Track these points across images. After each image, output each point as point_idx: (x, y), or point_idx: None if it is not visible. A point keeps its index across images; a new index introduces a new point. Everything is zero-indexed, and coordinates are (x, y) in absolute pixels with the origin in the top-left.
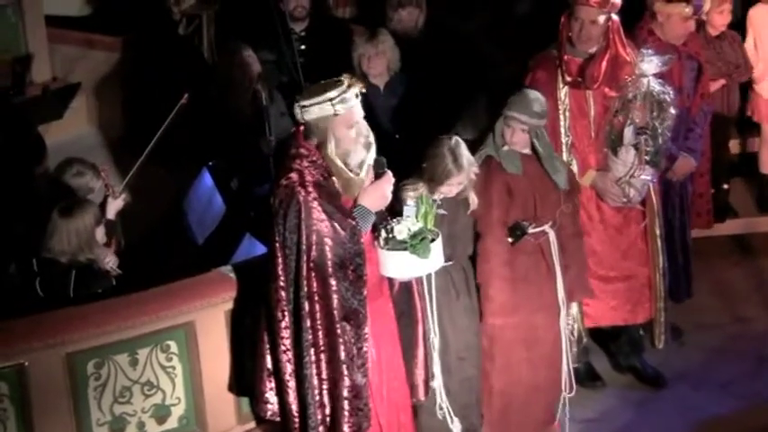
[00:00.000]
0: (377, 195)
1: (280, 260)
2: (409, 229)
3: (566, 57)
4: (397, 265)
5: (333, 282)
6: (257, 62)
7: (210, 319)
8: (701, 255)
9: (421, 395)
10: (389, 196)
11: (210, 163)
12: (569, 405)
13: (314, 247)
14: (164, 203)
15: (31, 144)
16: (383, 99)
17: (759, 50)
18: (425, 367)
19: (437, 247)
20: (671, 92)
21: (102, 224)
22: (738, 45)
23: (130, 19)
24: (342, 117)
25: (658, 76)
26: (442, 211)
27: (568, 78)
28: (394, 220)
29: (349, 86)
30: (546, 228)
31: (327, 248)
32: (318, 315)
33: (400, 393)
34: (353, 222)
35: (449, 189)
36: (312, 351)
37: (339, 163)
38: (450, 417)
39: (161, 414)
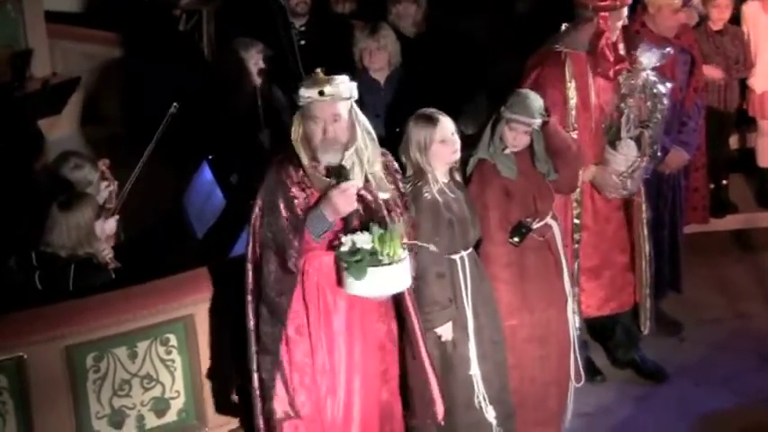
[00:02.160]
0: (330, 204)
1: None
2: (354, 245)
3: (608, 53)
4: (340, 277)
5: (265, 257)
6: (261, 57)
7: (210, 313)
8: (702, 250)
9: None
10: (343, 208)
11: (210, 157)
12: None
13: (261, 218)
14: (163, 197)
15: (31, 138)
16: (384, 93)
17: (752, 46)
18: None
19: (380, 275)
20: (667, 84)
21: (102, 218)
22: (740, 41)
23: (130, 15)
24: (304, 108)
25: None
26: (432, 248)
27: (609, 64)
28: (358, 232)
29: (315, 82)
30: (549, 220)
31: (265, 224)
32: (251, 282)
33: (378, 409)
34: (293, 214)
35: (439, 152)
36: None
37: (301, 152)
38: (486, 405)
39: (160, 407)
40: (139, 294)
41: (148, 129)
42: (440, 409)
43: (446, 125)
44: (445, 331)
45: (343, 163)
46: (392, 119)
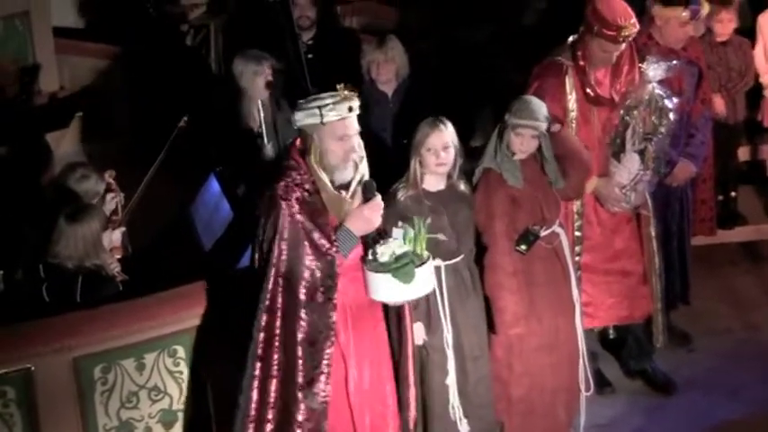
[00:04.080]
0: (363, 220)
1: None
2: (393, 252)
3: (588, 69)
4: (381, 288)
5: (301, 300)
6: (270, 71)
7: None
8: (711, 262)
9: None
10: (376, 222)
11: (217, 169)
12: (579, 411)
13: (284, 262)
14: (170, 210)
15: (38, 152)
16: (391, 105)
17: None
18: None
19: (424, 273)
20: (673, 98)
21: (109, 229)
22: (744, 53)
23: (138, 30)
24: (329, 127)
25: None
26: (442, 237)
27: (589, 92)
28: (381, 241)
29: (343, 98)
30: (556, 228)
31: (301, 266)
32: (278, 332)
33: (384, 419)
34: (330, 244)
35: (425, 158)
36: (258, 365)
37: (323, 176)
38: (460, 418)
39: (168, 419)
40: (147, 306)
41: (156, 143)
42: (412, 415)
43: (443, 136)
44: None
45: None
46: (399, 131)
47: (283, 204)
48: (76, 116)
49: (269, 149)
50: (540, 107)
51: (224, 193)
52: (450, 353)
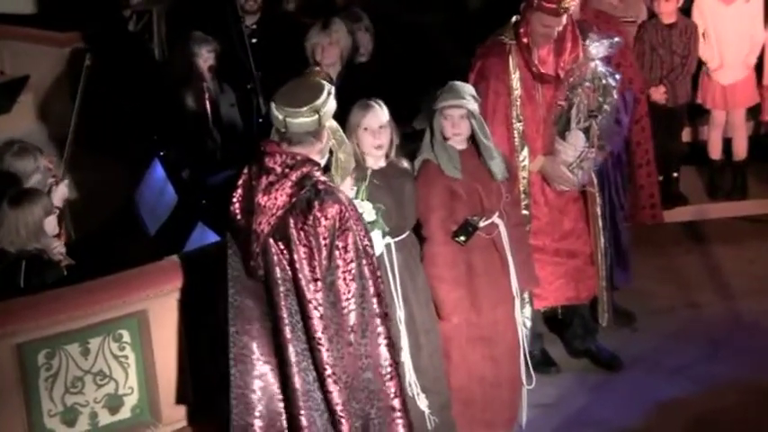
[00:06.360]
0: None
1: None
2: (371, 209)
3: (532, 47)
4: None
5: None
6: (213, 55)
7: (163, 308)
8: (653, 242)
9: None
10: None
11: (162, 153)
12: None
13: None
14: (116, 194)
15: None
16: (335, 89)
17: (711, 40)
18: None
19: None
20: (616, 76)
21: (53, 214)
22: (689, 37)
23: (80, 16)
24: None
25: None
26: (382, 207)
27: (534, 70)
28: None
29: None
30: (495, 219)
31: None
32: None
33: None
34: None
35: (362, 139)
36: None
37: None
38: (418, 393)
39: (114, 404)
40: (91, 290)
41: (98, 129)
42: None
43: (376, 115)
44: None
45: None
46: (344, 114)
47: (343, 209)
48: (18, 101)
49: (215, 133)
50: (465, 87)
51: (168, 177)
52: (403, 329)
